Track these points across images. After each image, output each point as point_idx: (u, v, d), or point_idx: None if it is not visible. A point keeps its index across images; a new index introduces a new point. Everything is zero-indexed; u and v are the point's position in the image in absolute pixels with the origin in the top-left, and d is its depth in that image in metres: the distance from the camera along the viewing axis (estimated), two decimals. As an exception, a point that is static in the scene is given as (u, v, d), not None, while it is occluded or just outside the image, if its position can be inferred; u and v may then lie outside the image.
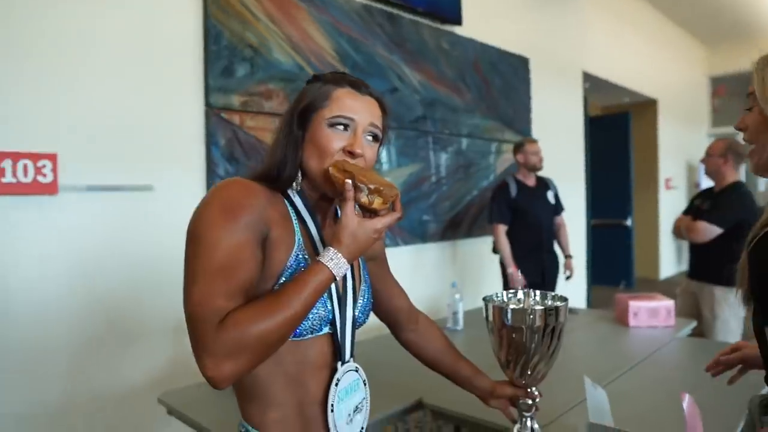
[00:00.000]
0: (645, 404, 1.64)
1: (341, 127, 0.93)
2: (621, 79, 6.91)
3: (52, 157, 2.17)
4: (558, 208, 3.85)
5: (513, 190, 3.66)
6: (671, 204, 8.64)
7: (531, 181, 3.73)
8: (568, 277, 3.88)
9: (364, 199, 0.88)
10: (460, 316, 2.68)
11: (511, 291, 1.25)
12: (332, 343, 0.97)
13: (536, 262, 3.63)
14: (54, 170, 2.17)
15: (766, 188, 9.10)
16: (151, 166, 2.55)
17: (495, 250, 3.83)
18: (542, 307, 1.10)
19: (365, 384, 1.04)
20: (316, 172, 0.93)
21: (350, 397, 0.99)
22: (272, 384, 0.93)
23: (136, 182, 2.50)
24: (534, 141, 3.71)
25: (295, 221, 0.94)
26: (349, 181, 0.87)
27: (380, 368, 1.91)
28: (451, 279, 4.18)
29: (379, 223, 0.88)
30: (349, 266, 0.87)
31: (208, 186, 2.68)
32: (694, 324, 2.64)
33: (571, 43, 5.83)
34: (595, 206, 6.64)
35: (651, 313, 2.48)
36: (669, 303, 2.49)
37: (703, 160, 3.19)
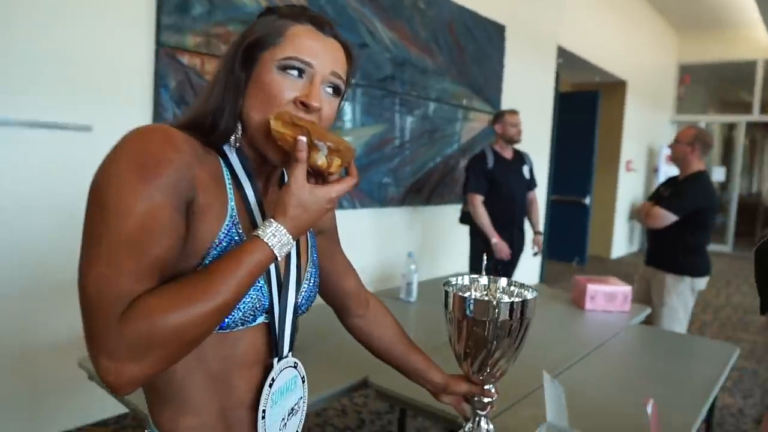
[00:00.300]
0: (600, 397, 1.57)
1: (295, 72, 0.74)
2: (594, 57, 6.83)
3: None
4: (532, 183, 3.76)
5: (490, 160, 3.55)
6: (630, 186, 8.76)
7: (508, 154, 3.63)
8: (535, 254, 3.83)
9: (321, 161, 0.72)
10: (414, 287, 2.57)
11: (474, 276, 1.12)
12: (267, 336, 0.81)
13: (506, 238, 3.54)
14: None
15: (719, 178, 9.34)
16: (91, 106, 2.32)
17: (463, 221, 3.73)
18: (509, 300, 0.99)
19: (304, 381, 0.89)
20: (258, 125, 0.75)
21: (285, 398, 0.84)
22: (190, 384, 0.76)
23: (74, 121, 2.27)
24: (515, 112, 3.59)
25: (229, 186, 0.76)
26: (303, 139, 0.70)
27: (326, 340, 1.79)
28: (409, 246, 4.09)
29: (334, 190, 0.73)
30: (294, 243, 0.72)
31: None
32: (648, 311, 2.61)
33: (548, 14, 5.68)
34: (555, 182, 6.63)
35: (608, 298, 2.43)
36: (626, 289, 2.45)
37: (670, 146, 3.14)
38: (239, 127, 0.78)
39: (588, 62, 6.80)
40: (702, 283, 2.98)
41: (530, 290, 1.06)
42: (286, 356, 0.84)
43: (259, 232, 0.70)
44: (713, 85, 10.08)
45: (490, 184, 3.52)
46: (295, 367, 0.86)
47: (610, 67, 7.37)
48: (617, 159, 8.31)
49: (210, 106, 0.76)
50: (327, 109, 0.78)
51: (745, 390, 3.47)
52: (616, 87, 8.13)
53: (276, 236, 0.69)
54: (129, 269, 0.62)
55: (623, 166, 8.41)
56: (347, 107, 3.52)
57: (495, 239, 3.46)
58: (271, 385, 0.80)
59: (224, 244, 0.73)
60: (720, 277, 7.33)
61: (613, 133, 8.22)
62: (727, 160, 10.03)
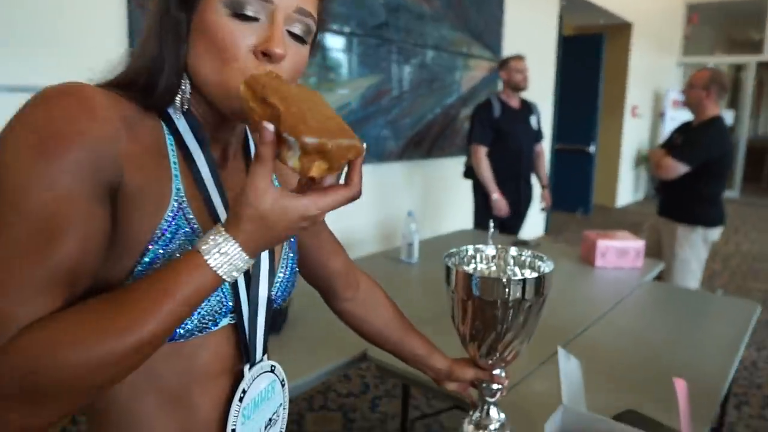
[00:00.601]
0: (618, 366, 1.45)
1: (250, 12, 0.58)
2: (599, -3, 6.51)
3: None
4: (539, 134, 3.58)
5: (496, 110, 3.36)
6: (635, 132, 8.53)
7: (515, 103, 3.43)
8: (543, 209, 3.68)
9: (293, 162, 0.52)
10: (416, 248, 2.45)
11: (479, 246, 0.98)
12: (235, 340, 0.67)
13: (513, 191, 3.39)
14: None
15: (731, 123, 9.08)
16: (55, 68, 2.13)
17: (467, 175, 3.57)
18: (521, 277, 0.85)
19: (284, 385, 0.75)
20: (212, 81, 0.59)
21: (261, 409, 0.70)
22: (138, 407, 0.61)
23: (34, 83, 2.09)
24: (521, 58, 3.38)
25: (174, 160, 0.60)
26: (270, 128, 0.51)
27: (322, 309, 1.67)
28: (410, 203, 3.95)
29: (314, 205, 0.53)
30: (252, 261, 0.55)
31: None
32: (661, 266, 2.49)
33: (551, -49, 5.36)
34: (559, 131, 6.43)
35: (619, 254, 2.30)
36: (638, 244, 2.31)
37: (684, 91, 2.96)
38: (186, 84, 0.61)
39: (592, 4, 6.48)
40: (715, 233, 2.85)
41: (545, 261, 0.92)
42: (260, 360, 0.70)
43: (202, 246, 0.52)
44: (721, 24, 9.70)
45: (496, 134, 3.34)
46: (273, 370, 0.72)
47: (615, 9, 7.03)
48: (622, 104, 8.05)
49: (145, 59, 0.60)
50: (295, 57, 0.61)
51: (759, 342, 3.38)
52: (622, 29, 7.79)
53: (225, 255, 0.52)
54: (17, 284, 0.48)
55: (628, 112, 8.15)
56: (340, 57, 3.31)
57: (495, 195, 3.31)
58: (241, 399, 0.66)
59: (168, 236, 0.58)
60: (728, 224, 7.20)
61: (618, 77, 7.93)
62: (734, 102, 9.75)
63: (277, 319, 1.61)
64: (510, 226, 3.45)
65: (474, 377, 0.95)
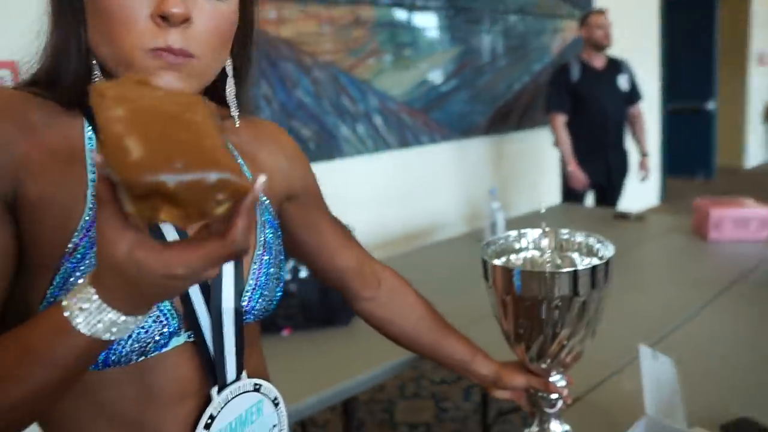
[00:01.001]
0: (727, 364, 1.22)
1: None
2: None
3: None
4: (633, 95, 3.21)
5: (575, 73, 3.07)
6: (763, 83, 7.57)
7: (598, 63, 3.11)
8: (643, 179, 3.34)
9: (128, 206, 0.37)
10: (500, 228, 2.27)
11: (523, 231, 0.81)
12: (199, 359, 0.57)
13: (600, 161, 3.11)
14: None
15: None
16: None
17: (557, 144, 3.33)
18: (570, 269, 0.68)
19: (277, 404, 0.64)
20: (114, 62, 0.51)
21: None
22: None
23: None
24: (600, 12, 3.07)
25: (90, 159, 0.53)
26: (99, 160, 0.37)
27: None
28: (497, 180, 3.73)
29: (179, 263, 0.40)
30: (137, 323, 0.45)
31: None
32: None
33: None
34: (669, 89, 5.82)
35: (738, 224, 1.98)
36: (763, 211, 1.98)
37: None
38: (97, 70, 0.53)
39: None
40: None
41: (604, 244, 0.75)
42: (234, 381, 0.60)
43: (65, 300, 0.43)
44: None
45: (575, 100, 3.06)
46: (258, 390, 0.62)
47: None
48: (745, 52, 7.17)
49: (48, 48, 0.53)
50: (209, 16, 0.51)
51: None
52: (741, -34, 6.92)
53: (90, 313, 0.42)
54: None
55: (754, 60, 7.25)
56: (416, 31, 3.15)
57: (571, 167, 3.05)
58: (208, 425, 0.57)
59: (82, 251, 0.49)
60: None
61: (738, 21, 7.05)
62: None
63: (341, 312, 1.55)
64: (605, 198, 3.16)
65: (526, 384, 0.80)
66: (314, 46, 2.75)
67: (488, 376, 0.82)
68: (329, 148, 2.90)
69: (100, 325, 0.42)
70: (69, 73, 0.52)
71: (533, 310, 0.71)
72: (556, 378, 0.78)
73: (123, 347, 0.50)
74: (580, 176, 3.04)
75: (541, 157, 3.98)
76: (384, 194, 3.17)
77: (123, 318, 0.43)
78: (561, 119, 3.08)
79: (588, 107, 3.05)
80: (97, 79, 0.53)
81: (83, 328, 0.42)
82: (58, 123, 0.52)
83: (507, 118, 3.78)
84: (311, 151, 2.81)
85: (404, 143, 3.21)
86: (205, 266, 0.40)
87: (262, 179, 0.40)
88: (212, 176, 0.36)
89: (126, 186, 0.35)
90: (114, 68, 0.51)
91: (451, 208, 3.53)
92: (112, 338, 0.43)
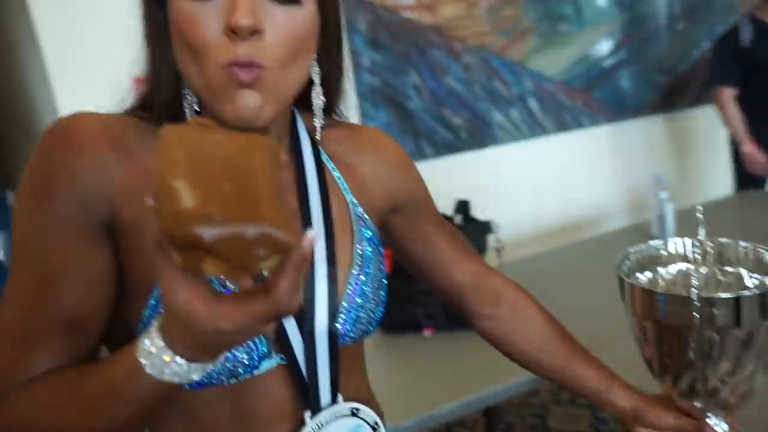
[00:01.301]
0: None
1: None
2: None
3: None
4: None
5: (745, 35, 2.61)
6: None
7: None
8: None
9: (174, 255, 0.38)
10: (669, 221, 2.01)
11: (670, 240, 0.66)
12: (291, 381, 0.57)
13: None
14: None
15: None
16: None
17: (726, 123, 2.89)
18: (729, 295, 0.53)
19: (376, 428, 0.62)
20: (197, 84, 0.50)
21: None
22: None
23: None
24: None
25: None
26: (150, 203, 0.36)
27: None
28: (668, 165, 3.31)
29: (227, 320, 0.39)
30: (204, 370, 0.44)
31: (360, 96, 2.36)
32: None
33: None
34: None
35: None
36: None
37: None
38: (188, 94, 0.54)
39: None
40: None
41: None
42: (329, 405, 0.58)
43: (138, 341, 0.43)
44: None
45: (745, 69, 2.61)
46: (356, 414, 0.59)
47: None
48: None
49: (146, 72, 0.55)
50: (283, 25, 0.48)
51: None
52: None
53: (157, 358, 0.42)
54: (18, 333, 0.49)
55: None
56: (569, 3, 2.89)
57: (747, 147, 2.62)
58: None
59: None
60: None
61: None
62: None
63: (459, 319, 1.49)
64: None
65: (675, 427, 0.65)
66: (463, 30, 2.67)
67: (626, 409, 0.69)
68: (482, 135, 2.80)
69: (166, 370, 0.42)
70: (161, 97, 0.53)
71: (682, 339, 0.57)
72: (714, 422, 0.63)
73: (213, 369, 0.51)
74: (759, 159, 2.62)
75: (718, 137, 3.47)
76: (540, 183, 2.99)
77: (187, 364, 0.42)
78: (728, 93, 2.67)
79: (763, 75, 2.60)
80: (187, 103, 0.54)
81: (151, 371, 0.43)
82: (155, 146, 0.52)
83: (683, 93, 3.34)
84: (463, 139, 2.75)
85: (562, 127, 2.99)
86: (252, 324, 0.39)
87: (311, 234, 0.38)
88: (251, 230, 0.35)
89: (167, 236, 0.35)
90: (199, 89, 0.51)
91: (613, 197, 3.22)
92: (182, 382, 0.43)
